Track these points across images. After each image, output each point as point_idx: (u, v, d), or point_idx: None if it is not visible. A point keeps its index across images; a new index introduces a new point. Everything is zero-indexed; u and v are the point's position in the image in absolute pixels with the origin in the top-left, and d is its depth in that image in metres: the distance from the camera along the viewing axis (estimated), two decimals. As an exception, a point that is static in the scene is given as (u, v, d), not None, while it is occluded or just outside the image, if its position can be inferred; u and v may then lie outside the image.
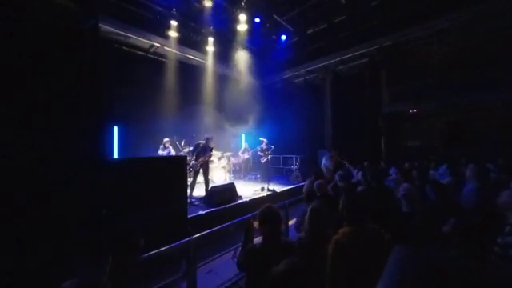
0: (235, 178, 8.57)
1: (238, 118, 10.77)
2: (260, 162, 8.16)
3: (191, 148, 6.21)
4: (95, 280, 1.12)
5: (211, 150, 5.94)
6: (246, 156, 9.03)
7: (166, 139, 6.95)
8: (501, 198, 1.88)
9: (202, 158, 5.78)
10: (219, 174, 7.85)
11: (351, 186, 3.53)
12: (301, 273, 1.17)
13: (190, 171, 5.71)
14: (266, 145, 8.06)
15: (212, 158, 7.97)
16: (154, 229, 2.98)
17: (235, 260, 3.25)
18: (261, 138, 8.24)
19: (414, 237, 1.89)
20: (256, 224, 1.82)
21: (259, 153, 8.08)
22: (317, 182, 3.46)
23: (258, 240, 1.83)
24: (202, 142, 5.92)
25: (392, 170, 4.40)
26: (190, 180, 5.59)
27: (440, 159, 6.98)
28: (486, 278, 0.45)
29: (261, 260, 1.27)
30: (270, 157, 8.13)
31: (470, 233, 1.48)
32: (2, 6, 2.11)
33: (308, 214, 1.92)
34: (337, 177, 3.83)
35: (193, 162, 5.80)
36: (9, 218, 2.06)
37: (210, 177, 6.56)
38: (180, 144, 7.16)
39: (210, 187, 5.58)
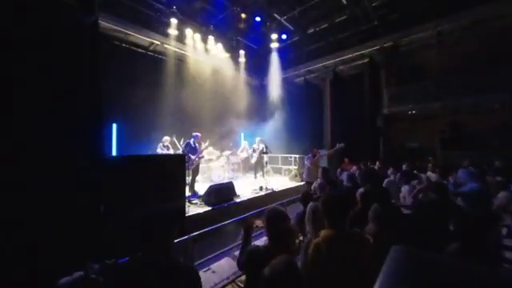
0: (234, 177, 8.57)
1: (237, 117, 10.76)
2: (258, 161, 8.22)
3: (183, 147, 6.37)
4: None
5: (201, 147, 6.20)
6: (245, 155, 9.03)
7: (166, 137, 6.94)
8: (497, 200, 1.90)
9: (194, 157, 5.94)
10: (218, 173, 7.85)
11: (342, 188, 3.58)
12: (295, 271, 1.18)
13: (189, 169, 5.78)
14: (258, 144, 8.16)
15: (211, 157, 8.01)
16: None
17: (234, 258, 3.25)
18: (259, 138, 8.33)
19: (412, 237, 1.90)
20: (258, 223, 1.82)
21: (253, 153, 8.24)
22: (319, 182, 3.49)
23: (256, 239, 1.83)
24: (191, 140, 6.12)
25: (390, 171, 4.44)
26: (188, 179, 5.66)
27: (438, 161, 7.02)
28: (484, 279, 0.45)
29: (265, 261, 1.27)
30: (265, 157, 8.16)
31: (469, 233, 1.49)
32: (0, 2, 2.10)
33: (307, 214, 1.92)
34: (344, 177, 3.89)
35: (192, 157, 5.95)
36: (8, 216, 2.05)
37: (208, 175, 6.69)
38: (179, 142, 7.14)
39: (209, 186, 5.58)
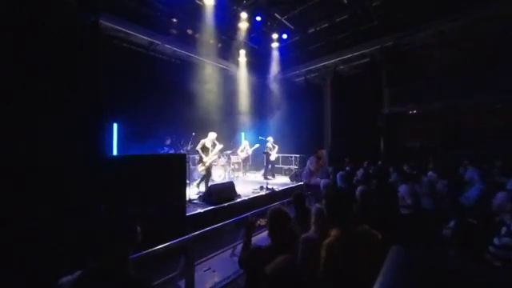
0: (234, 177, 8.58)
1: (237, 117, 10.76)
2: (259, 160, 8.30)
3: (192, 146, 6.38)
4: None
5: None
6: (245, 154, 9.03)
7: (166, 137, 6.96)
8: (496, 200, 1.89)
9: (212, 155, 6.02)
10: (218, 173, 7.85)
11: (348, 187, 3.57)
12: (297, 270, 1.19)
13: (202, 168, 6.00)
14: (272, 143, 8.68)
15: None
16: (152, 226, 2.98)
17: (234, 258, 3.26)
18: (268, 138, 8.72)
19: (414, 237, 1.89)
20: (261, 221, 1.83)
21: (269, 151, 8.55)
22: (323, 181, 3.48)
23: (257, 238, 1.83)
24: (206, 139, 6.08)
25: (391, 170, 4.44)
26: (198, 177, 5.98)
27: (439, 161, 7.01)
28: (484, 279, 0.45)
29: (266, 261, 1.28)
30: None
31: (469, 235, 1.48)
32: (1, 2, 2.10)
33: (314, 214, 1.93)
34: (338, 177, 3.85)
35: (205, 159, 5.98)
36: (8, 215, 2.06)
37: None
38: (179, 142, 7.15)
39: (209, 186, 5.59)
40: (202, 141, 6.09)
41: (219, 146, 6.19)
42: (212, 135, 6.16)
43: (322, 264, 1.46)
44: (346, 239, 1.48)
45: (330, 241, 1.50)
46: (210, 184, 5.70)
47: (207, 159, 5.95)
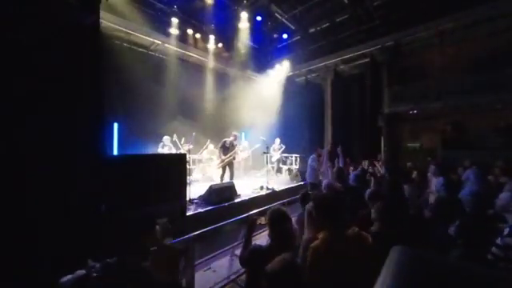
0: (234, 177, 8.56)
1: (237, 116, 10.75)
2: (259, 160, 8.37)
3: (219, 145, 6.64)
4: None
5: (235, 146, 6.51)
6: (245, 155, 9.02)
7: (166, 137, 6.96)
8: (499, 201, 1.88)
9: (230, 154, 6.28)
10: (218, 172, 7.84)
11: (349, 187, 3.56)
12: (296, 269, 1.19)
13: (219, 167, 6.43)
14: (279, 144, 9.09)
15: (211, 157, 8.05)
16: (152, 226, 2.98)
17: (234, 258, 3.27)
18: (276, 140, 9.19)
19: (416, 238, 1.88)
20: (261, 220, 1.85)
21: (272, 152, 8.81)
22: (325, 181, 3.48)
23: (257, 238, 1.84)
24: (229, 139, 6.38)
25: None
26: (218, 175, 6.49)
27: (439, 160, 7.01)
28: (486, 279, 0.45)
29: (267, 260, 1.28)
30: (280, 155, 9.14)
31: (472, 234, 1.47)
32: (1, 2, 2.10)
33: (306, 216, 1.92)
34: (352, 177, 3.88)
35: (222, 157, 6.31)
36: (8, 215, 2.06)
37: (209, 174, 6.85)
38: (180, 142, 7.15)
39: (210, 185, 5.59)
40: (224, 140, 6.39)
41: (238, 147, 6.50)
42: (234, 135, 6.45)
43: (308, 267, 1.42)
44: (333, 242, 1.45)
45: (317, 244, 1.46)
46: (210, 184, 5.69)
47: (224, 157, 6.26)
